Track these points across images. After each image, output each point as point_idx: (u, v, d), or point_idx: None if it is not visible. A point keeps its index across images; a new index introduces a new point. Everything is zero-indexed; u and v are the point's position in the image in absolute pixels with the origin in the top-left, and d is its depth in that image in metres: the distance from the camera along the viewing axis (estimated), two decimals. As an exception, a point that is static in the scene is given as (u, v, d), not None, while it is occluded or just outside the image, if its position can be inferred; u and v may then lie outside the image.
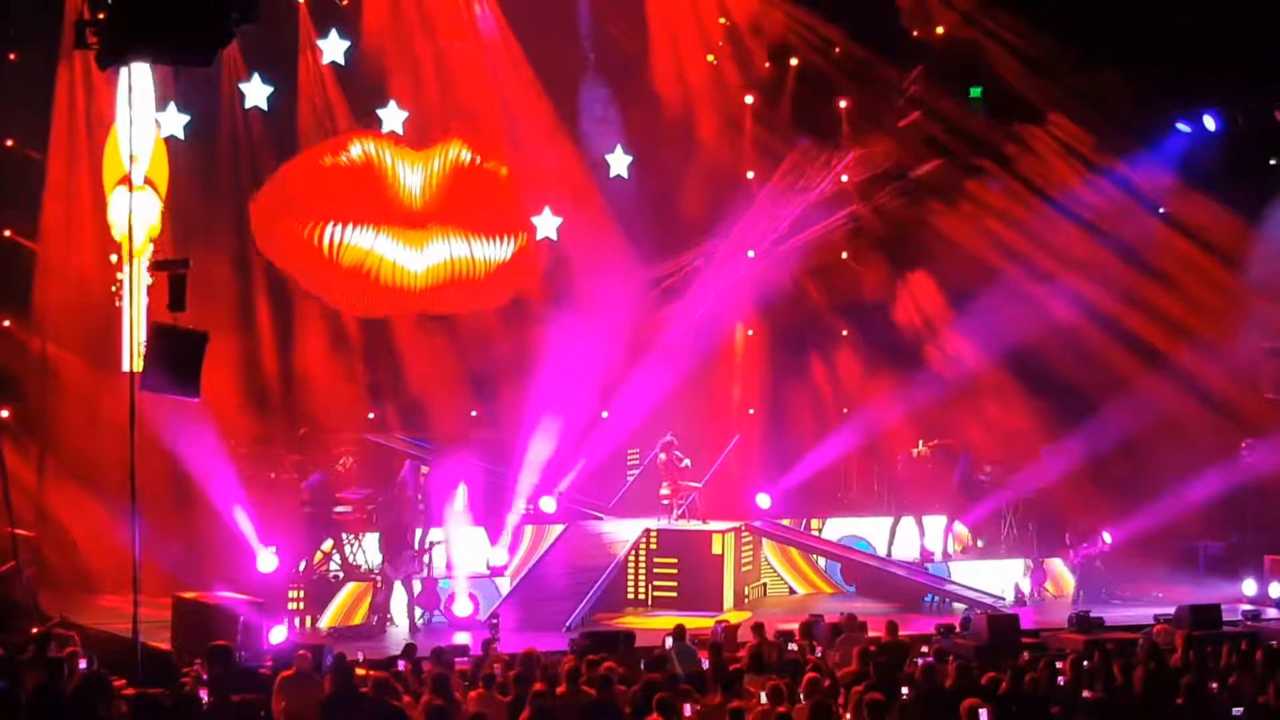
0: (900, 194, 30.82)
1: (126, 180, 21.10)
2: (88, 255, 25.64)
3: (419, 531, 25.16)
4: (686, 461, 27.65)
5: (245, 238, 27.42)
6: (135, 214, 20.84)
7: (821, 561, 28.85)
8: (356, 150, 28.02)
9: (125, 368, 21.28)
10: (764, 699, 14.68)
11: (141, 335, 19.78)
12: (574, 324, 27.81)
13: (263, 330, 27.48)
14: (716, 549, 26.71)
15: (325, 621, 24.05)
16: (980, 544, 28.62)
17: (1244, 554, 28.28)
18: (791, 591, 28.63)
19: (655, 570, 26.93)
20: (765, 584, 28.37)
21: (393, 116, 28.24)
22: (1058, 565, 27.84)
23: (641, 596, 26.93)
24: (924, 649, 19.62)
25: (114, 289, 24.70)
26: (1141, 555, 27.79)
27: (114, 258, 24.70)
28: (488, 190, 28.74)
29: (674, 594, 26.68)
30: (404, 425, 28.38)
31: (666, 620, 22.82)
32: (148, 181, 23.02)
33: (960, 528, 28.68)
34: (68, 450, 25.47)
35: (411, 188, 28.29)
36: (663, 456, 27.67)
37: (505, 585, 25.62)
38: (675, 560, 26.89)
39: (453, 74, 28.38)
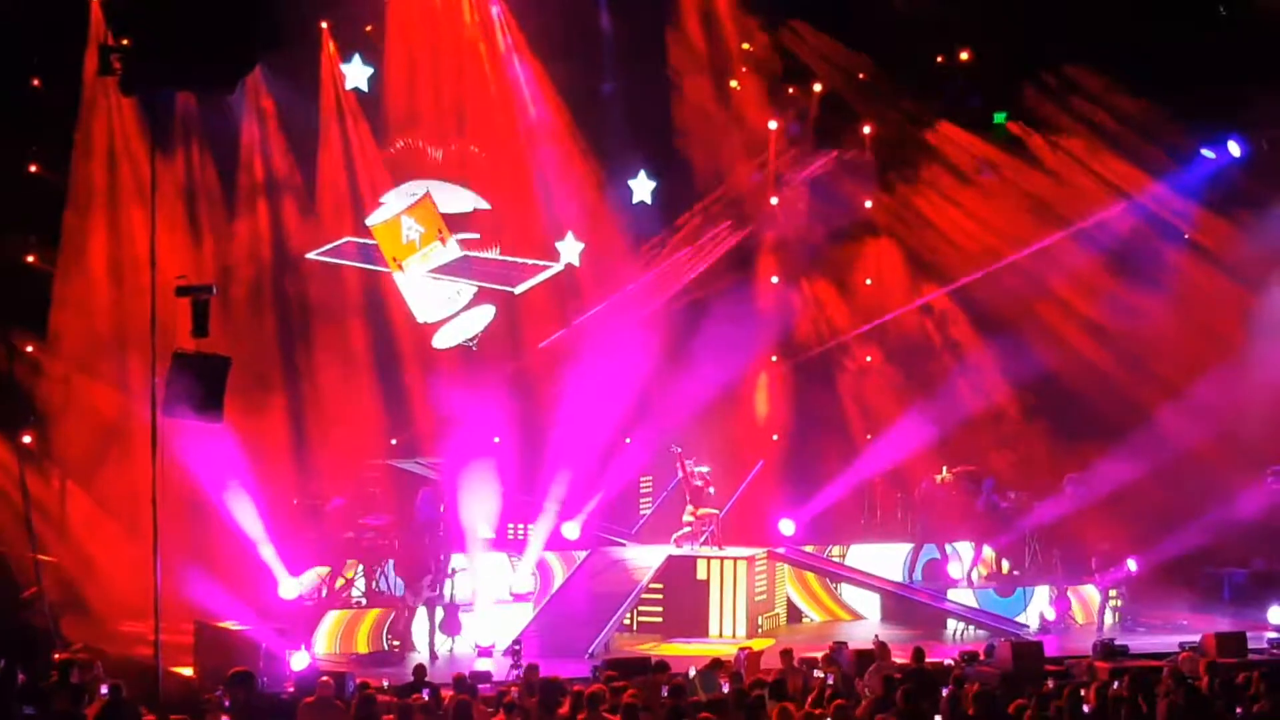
0: (922, 220, 30.78)
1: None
2: (108, 280, 25.66)
3: (443, 557, 25.10)
4: (703, 468, 27.55)
5: (266, 262, 27.44)
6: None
7: (840, 588, 28.73)
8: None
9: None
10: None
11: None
12: (597, 350, 27.77)
13: (288, 353, 27.45)
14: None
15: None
16: (1018, 572, 28.46)
17: (1270, 581, 28.12)
18: (803, 618, 28.47)
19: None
20: (779, 613, 28.20)
21: (416, 141, 28.19)
22: (1083, 592, 27.70)
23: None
24: (951, 667, 19.57)
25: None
26: (1166, 583, 27.66)
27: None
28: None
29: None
30: (426, 450, 28.30)
31: (692, 649, 22.72)
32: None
33: (989, 552, 28.56)
34: (89, 475, 25.44)
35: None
36: (680, 473, 27.59)
37: (528, 612, 25.55)
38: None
39: (475, 99, 28.38)
